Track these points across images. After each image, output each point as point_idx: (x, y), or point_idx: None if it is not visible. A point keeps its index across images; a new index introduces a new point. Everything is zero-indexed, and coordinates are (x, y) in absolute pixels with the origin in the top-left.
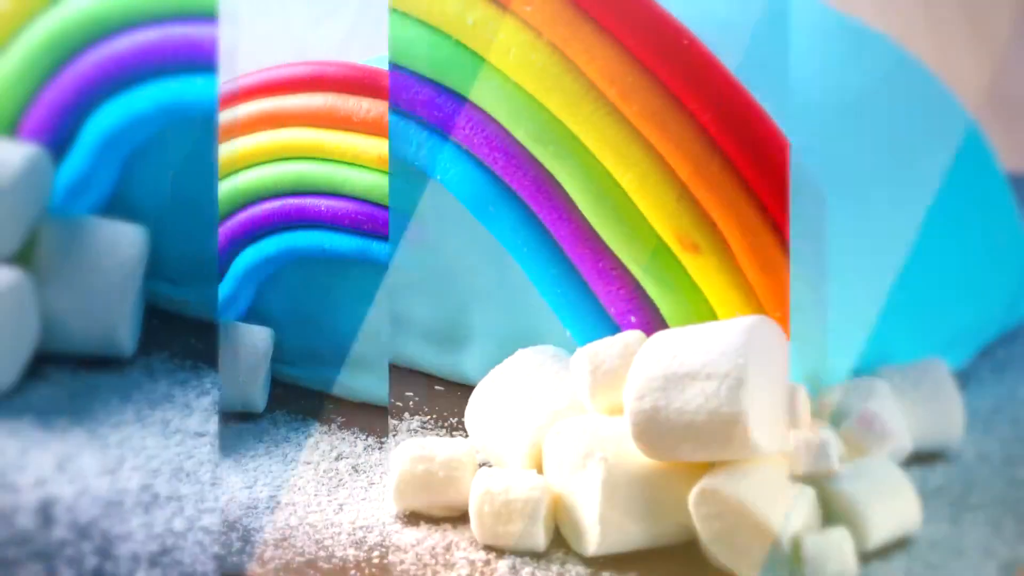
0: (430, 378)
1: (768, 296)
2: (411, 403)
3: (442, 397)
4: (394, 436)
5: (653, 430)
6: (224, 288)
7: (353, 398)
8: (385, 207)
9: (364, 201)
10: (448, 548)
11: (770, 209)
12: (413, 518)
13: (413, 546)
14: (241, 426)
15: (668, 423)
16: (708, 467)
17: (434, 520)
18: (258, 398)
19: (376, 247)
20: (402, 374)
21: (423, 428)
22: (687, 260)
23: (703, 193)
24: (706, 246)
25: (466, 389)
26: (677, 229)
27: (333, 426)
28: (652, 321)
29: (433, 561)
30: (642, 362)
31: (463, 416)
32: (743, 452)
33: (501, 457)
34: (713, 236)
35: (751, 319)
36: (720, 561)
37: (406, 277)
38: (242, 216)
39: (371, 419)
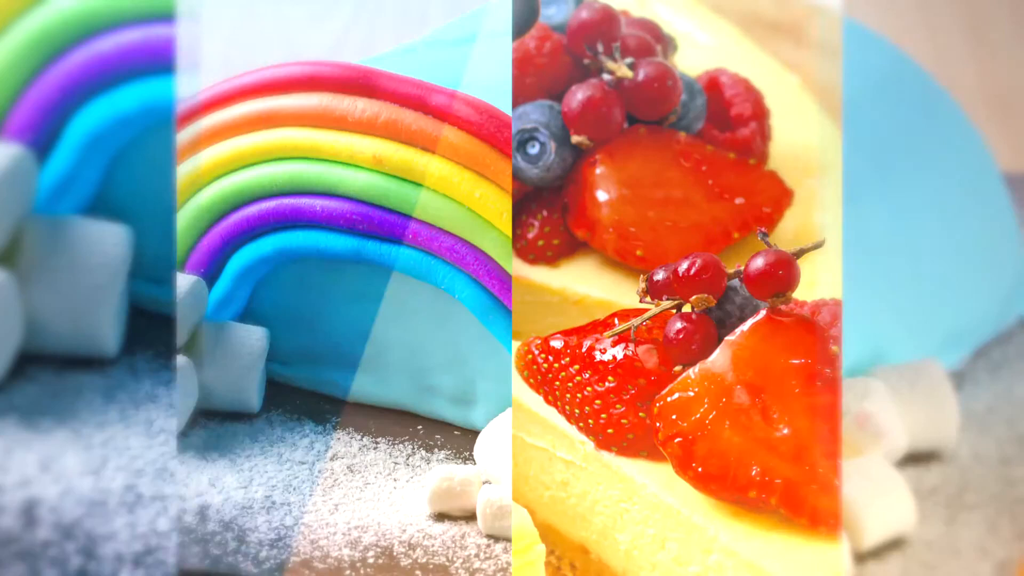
0: (452, 426)
1: None
2: (439, 443)
3: (460, 439)
4: (428, 464)
5: None
6: (219, 288)
7: (347, 398)
8: (380, 207)
9: (359, 201)
10: (463, 536)
11: None
12: (440, 517)
13: (440, 534)
14: (236, 426)
15: None
16: None
17: (453, 518)
18: (253, 398)
19: (371, 247)
20: (433, 424)
21: (447, 459)
22: None
23: None
24: None
25: (475, 433)
26: None
27: (328, 426)
28: None
29: (453, 544)
30: None
31: (473, 451)
32: None
33: (496, 478)
34: None
35: None
36: None
37: (431, 358)
38: (237, 216)
39: (365, 419)
